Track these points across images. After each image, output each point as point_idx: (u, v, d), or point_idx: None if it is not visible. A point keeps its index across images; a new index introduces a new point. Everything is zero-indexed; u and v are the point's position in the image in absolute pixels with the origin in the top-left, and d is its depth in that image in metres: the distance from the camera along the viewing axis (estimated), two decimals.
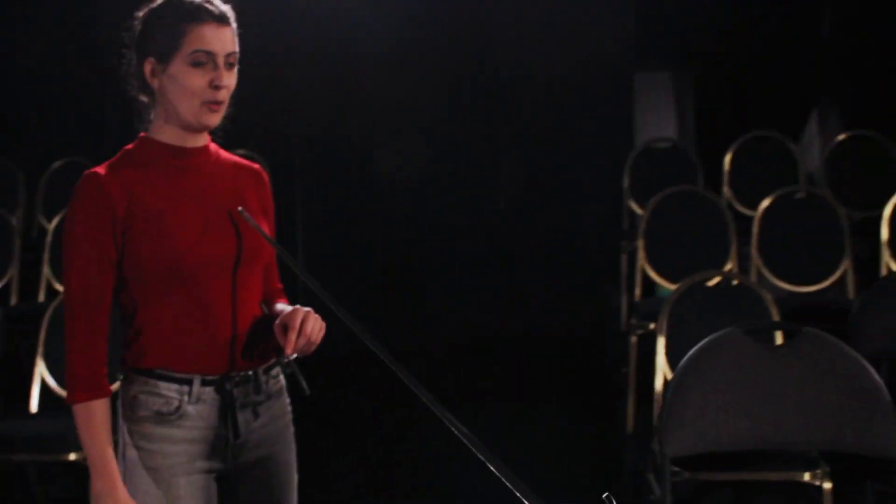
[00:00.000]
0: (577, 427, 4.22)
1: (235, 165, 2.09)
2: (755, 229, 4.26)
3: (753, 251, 4.24)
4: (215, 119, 1.98)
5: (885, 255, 4.10)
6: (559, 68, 5.71)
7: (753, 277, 4.14)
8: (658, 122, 5.97)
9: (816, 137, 5.78)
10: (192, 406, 1.97)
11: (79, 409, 1.93)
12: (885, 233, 4.16)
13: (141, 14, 2.00)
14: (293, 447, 2.11)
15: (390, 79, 5.67)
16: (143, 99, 2.03)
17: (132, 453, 1.97)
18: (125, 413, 1.99)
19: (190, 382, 1.97)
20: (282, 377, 2.07)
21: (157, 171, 1.98)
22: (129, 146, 2.03)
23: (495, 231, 5.81)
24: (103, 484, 1.92)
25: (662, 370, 3.43)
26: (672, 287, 4.23)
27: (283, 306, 2.06)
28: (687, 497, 3.38)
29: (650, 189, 4.95)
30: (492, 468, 1.47)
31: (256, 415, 2.02)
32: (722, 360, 2.61)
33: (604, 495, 1.48)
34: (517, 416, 4.35)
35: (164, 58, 1.95)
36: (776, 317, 3.40)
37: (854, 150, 5.12)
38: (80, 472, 3.29)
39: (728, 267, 4.22)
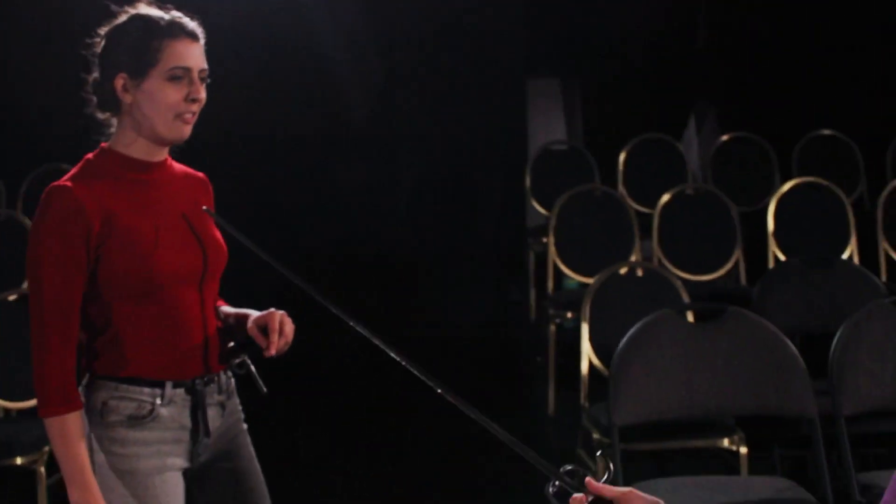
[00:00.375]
0: (498, 414, 4.44)
1: (187, 176, 2.16)
2: (655, 224, 4.61)
3: (655, 244, 4.59)
4: (188, 131, 2.04)
5: (772, 244, 4.52)
6: (455, 75, 5.97)
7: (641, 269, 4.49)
8: (547, 125, 6.29)
9: (694, 138, 6.23)
10: (165, 408, 2.02)
11: (53, 423, 1.95)
12: (771, 224, 4.58)
13: (105, 31, 2.04)
14: (249, 439, 2.20)
15: (285, 84, 5.76)
16: (102, 115, 2.06)
17: (104, 459, 2.00)
18: (94, 420, 2.01)
19: (162, 385, 2.02)
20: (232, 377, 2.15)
21: (125, 185, 2.02)
22: (90, 156, 2.05)
23: (397, 235, 5.97)
24: (81, 495, 1.95)
25: (588, 354, 3.70)
26: (585, 280, 4.56)
27: (228, 308, 2.18)
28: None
29: (550, 189, 5.27)
30: (508, 442, 1.56)
31: (221, 413, 2.11)
32: (659, 337, 2.90)
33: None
34: (439, 409, 4.52)
35: (139, 73, 1.98)
36: (687, 301, 3.74)
37: (734, 150, 5.57)
38: (28, 477, 3.36)
39: (633, 259, 4.56)
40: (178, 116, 2.00)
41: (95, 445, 2.00)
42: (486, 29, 5.96)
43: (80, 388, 2.01)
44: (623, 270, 3.83)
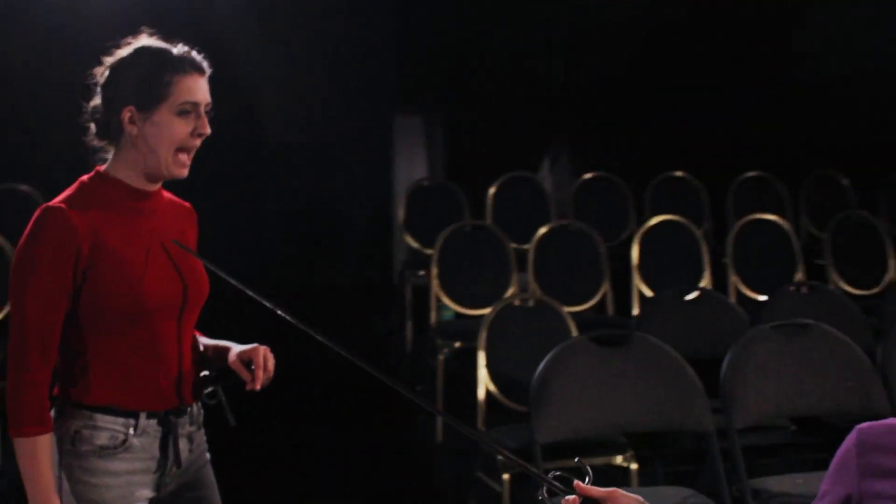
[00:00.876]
0: (387, 443, 4.59)
1: (174, 205, 2.20)
2: (531, 257, 4.90)
3: (531, 277, 4.88)
4: (185, 173, 2.07)
5: (636, 276, 4.90)
6: (324, 109, 6.10)
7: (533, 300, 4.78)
8: (412, 161, 6.52)
9: (548, 175, 6.61)
10: (137, 438, 2.04)
11: (24, 443, 1.95)
12: (635, 258, 4.97)
13: (110, 61, 2.06)
14: (211, 470, 2.23)
15: None
16: (100, 143, 2.08)
17: (73, 487, 2.01)
18: (65, 448, 2.01)
19: (136, 416, 2.03)
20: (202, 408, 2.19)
21: (117, 212, 2.03)
22: (86, 179, 2.07)
23: (263, 269, 6.01)
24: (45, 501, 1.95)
25: (485, 382, 3.92)
26: (467, 311, 4.80)
27: (206, 340, 2.23)
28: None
29: (423, 224, 5.50)
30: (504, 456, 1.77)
31: (189, 444, 2.14)
32: (574, 361, 3.15)
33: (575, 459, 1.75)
34: (325, 439, 4.63)
35: (149, 107, 2.01)
36: (574, 330, 4.03)
37: (594, 188, 5.97)
38: None
39: (510, 291, 4.83)
40: (181, 150, 2.04)
41: (65, 473, 2.01)
42: (356, 65, 6.13)
43: (52, 413, 2.01)
44: (517, 302, 4.08)
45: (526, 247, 4.96)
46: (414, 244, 5.60)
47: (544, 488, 1.62)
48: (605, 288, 4.89)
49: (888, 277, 5.29)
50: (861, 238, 5.40)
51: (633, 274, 4.89)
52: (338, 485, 4.21)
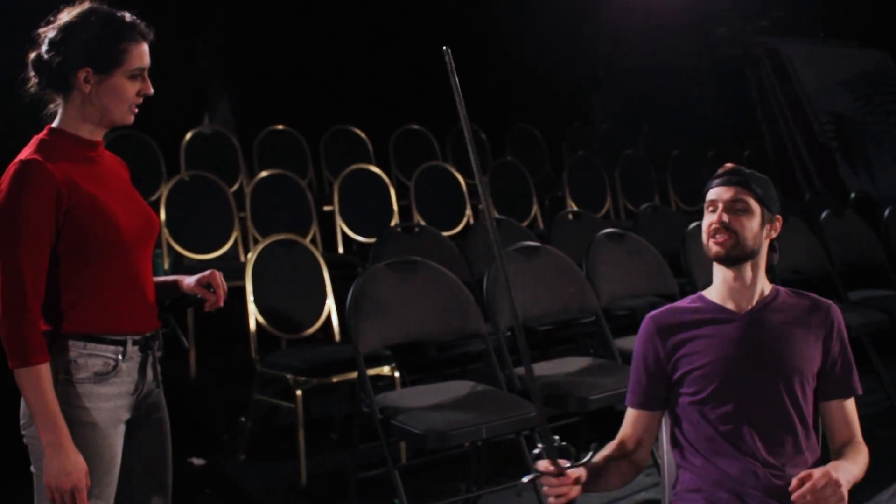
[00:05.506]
0: None
1: (111, 156, 2.42)
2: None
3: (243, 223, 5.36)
4: (133, 119, 2.32)
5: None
6: None
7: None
8: None
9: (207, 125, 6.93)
10: (125, 363, 2.27)
11: (27, 373, 2.12)
12: (336, 206, 5.63)
13: (64, 21, 2.23)
14: None
15: None
16: (55, 95, 2.26)
17: (69, 413, 2.17)
18: (60, 377, 2.18)
19: (124, 343, 2.26)
20: None
21: (79, 160, 2.25)
22: (43, 136, 2.25)
23: None
24: (56, 436, 2.14)
25: (254, 314, 4.39)
26: (200, 257, 5.17)
27: (162, 278, 2.45)
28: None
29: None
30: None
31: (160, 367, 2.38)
32: (377, 284, 3.78)
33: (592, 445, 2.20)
34: None
35: (105, 70, 2.23)
36: (325, 269, 4.63)
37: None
38: None
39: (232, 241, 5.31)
40: (130, 107, 2.29)
41: (63, 401, 2.17)
42: None
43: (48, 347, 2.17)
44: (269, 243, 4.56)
45: None
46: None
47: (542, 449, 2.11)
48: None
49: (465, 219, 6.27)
50: (442, 185, 6.35)
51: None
52: None
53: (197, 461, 4.29)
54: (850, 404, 2.41)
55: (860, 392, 2.41)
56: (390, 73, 7.51)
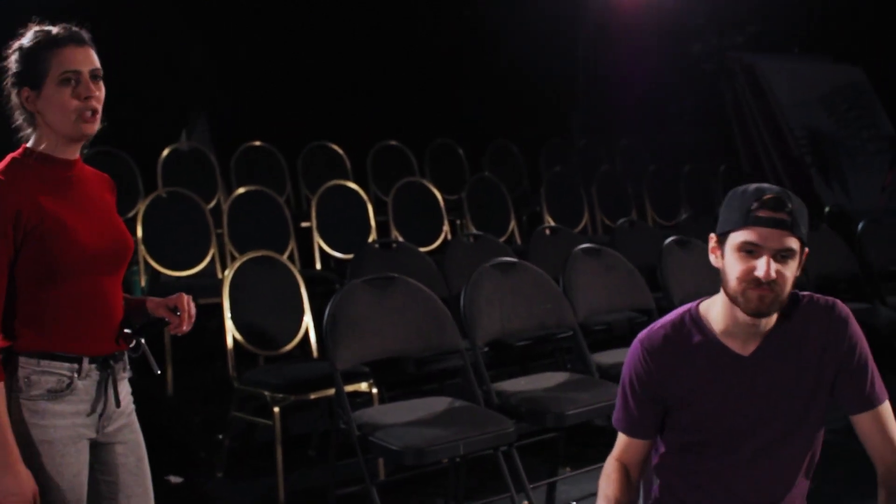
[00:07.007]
0: None
1: (95, 174, 2.42)
2: (224, 221, 5.35)
3: (225, 238, 5.35)
4: (93, 128, 2.24)
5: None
6: None
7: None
8: None
9: (185, 142, 6.93)
10: (81, 381, 2.25)
11: None
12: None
13: (10, 51, 2.27)
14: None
15: None
16: (21, 120, 2.27)
17: (25, 430, 2.18)
18: (14, 394, 2.18)
19: (80, 361, 2.24)
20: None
21: (49, 180, 2.25)
22: (16, 154, 2.26)
23: None
24: (5, 455, 2.13)
25: (231, 331, 4.38)
26: (176, 273, 5.16)
27: (127, 296, 2.42)
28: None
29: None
30: None
31: (122, 389, 2.35)
32: (354, 301, 3.79)
33: None
34: None
35: (37, 84, 2.22)
36: (303, 285, 4.62)
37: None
38: None
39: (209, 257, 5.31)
40: (80, 116, 2.22)
41: (15, 417, 2.17)
42: None
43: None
44: (246, 260, 4.56)
45: None
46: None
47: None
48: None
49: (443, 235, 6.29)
50: (419, 201, 6.37)
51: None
52: None
53: (174, 479, 4.27)
54: (882, 414, 2.17)
55: (885, 398, 2.19)
56: (368, 89, 7.55)
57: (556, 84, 8.70)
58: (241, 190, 5.73)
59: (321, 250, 5.82)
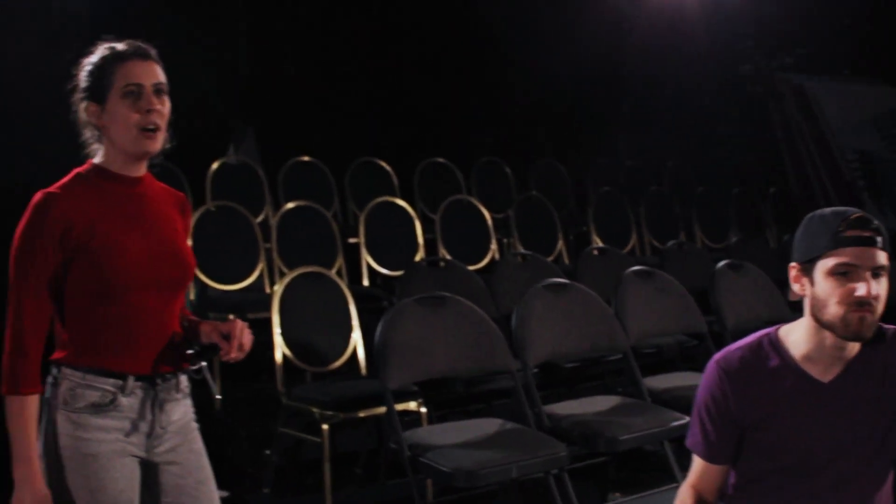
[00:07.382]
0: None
1: (166, 192, 2.42)
2: (273, 235, 5.37)
3: (274, 253, 5.36)
4: (154, 145, 2.26)
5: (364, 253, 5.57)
6: None
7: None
8: None
9: (233, 156, 6.97)
10: (126, 398, 2.25)
11: (15, 401, 2.16)
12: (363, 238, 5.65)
13: (79, 68, 2.31)
14: (200, 438, 2.41)
15: None
16: (88, 134, 2.31)
17: (69, 442, 2.20)
18: (62, 406, 2.22)
19: (124, 377, 2.25)
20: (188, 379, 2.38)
21: (108, 197, 2.27)
22: (81, 170, 2.29)
23: None
24: (27, 470, 2.16)
25: (281, 347, 4.37)
26: (226, 287, 5.17)
27: (192, 317, 2.44)
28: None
29: None
30: None
31: (174, 410, 2.33)
32: (406, 320, 3.77)
33: None
34: None
35: (102, 98, 2.25)
36: (352, 302, 4.61)
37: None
38: None
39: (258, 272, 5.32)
40: (141, 131, 2.24)
41: (60, 430, 2.20)
42: None
43: (49, 377, 2.24)
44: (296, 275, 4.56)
45: None
46: None
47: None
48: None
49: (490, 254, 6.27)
50: (467, 218, 6.36)
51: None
52: None
53: (220, 493, 4.25)
54: None
55: None
56: (415, 105, 7.55)
57: (603, 104, 8.66)
58: (290, 205, 5.73)
59: (369, 267, 5.81)
